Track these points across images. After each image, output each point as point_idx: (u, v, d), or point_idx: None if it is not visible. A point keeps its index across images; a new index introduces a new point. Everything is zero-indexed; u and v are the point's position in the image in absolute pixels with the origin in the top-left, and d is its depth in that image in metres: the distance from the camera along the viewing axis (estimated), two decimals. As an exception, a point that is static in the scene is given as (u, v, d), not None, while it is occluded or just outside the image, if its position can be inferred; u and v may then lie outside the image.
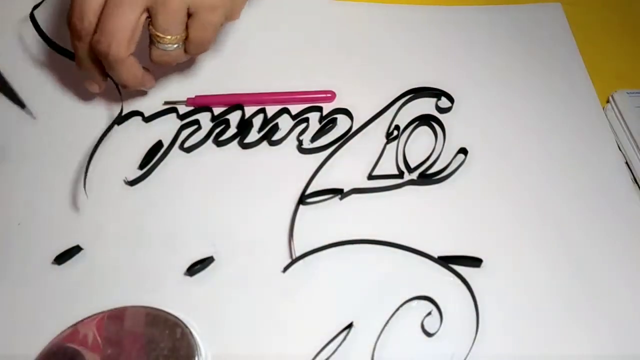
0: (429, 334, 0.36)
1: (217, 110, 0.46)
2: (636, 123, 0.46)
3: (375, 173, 0.43)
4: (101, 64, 0.40)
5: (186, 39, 0.40)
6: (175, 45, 0.40)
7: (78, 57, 0.40)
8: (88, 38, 0.39)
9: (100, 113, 0.46)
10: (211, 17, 0.39)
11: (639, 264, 0.39)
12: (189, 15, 0.39)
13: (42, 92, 0.47)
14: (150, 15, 0.38)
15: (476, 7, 0.55)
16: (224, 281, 0.38)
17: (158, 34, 0.39)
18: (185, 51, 0.41)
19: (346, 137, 0.45)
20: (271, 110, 0.46)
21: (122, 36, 0.37)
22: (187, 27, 0.40)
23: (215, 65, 0.49)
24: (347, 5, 0.54)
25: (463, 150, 0.44)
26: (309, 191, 0.41)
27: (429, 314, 0.36)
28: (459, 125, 0.46)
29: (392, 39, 0.52)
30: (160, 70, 0.46)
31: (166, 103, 0.47)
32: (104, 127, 0.44)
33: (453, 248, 0.39)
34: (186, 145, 0.44)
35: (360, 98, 0.47)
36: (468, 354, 0.35)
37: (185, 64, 0.46)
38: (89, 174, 0.41)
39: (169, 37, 0.39)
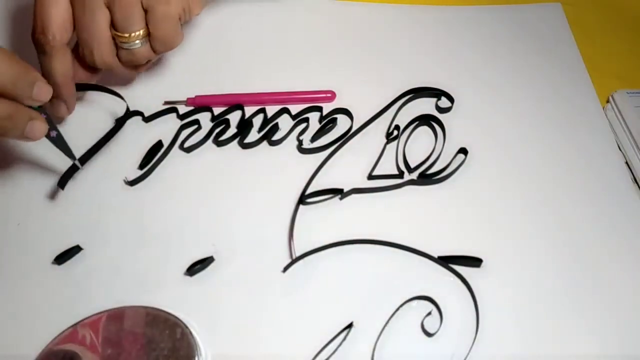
0: (429, 334, 0.36)
1: (217, 110, 0.46)
2: (636, 123, 0.46)
3: (375, 173, 0.43)
4: (70, 81, 0.40)
5: (150, 36, 0.40)
6: (138, 43, 0.39)
7: (44, 73, 0.38)
8: (53, 51, 0.38)
9: (102, 113, 0.46)
10: (167, 9, 0.39)
11: None
12: (146, 11, 0.39)
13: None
14: (111, 16, 0.38)
15: (476, 7, 0.55)
16: (224, 281, 0.38)
17: (118, 33, 0.39)
18: (153, 50, 0.41)
19: (346, 137, 0.45)
20: (271, 110, 0.46)
21: (99, 42, 0.38)
22: (147, 25, 0.39)
23: (215, 65, 0.49)
24: (348, 5, 0.54)
25: (463, 150, 0.44)
26: (309, 191, 0.41)
27: (429, 314, 0.36)
28: (459, 125, 0.46)
29: (392, 38, 0.52)
30: (159, 71, 0.46)
31: (166, 103, 0.47)
32: (105, 127, 0.44)
33: (453, 248, 0.39)
34: (186, 145, 0.44)
35: (360, 98, 0.47)
36: (468, 354, 0.35)
37: (180, 68, 0.45)
38: (85, 173, 0.41)
39: (127, 35, 0.39)
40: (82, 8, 0.38)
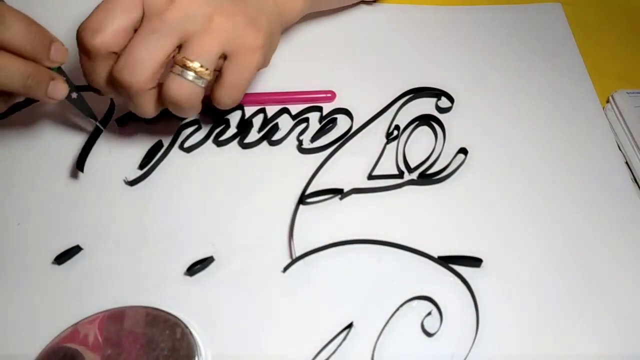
0: (429, 334, 0.36)
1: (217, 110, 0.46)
2: (636, 123, 0.46)
3: (375, 173, 0.43)
4: (110, 83, 0.37)
5: (217, 83, 0.37)
6: (201, 82, 0.35)
7: (85, 74, 0.37)
8: (97, 58, 0.35)
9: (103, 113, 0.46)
10: (251, 59, 0.36)
11: None
12: (226, 57, 0.36)
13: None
14: (181, 47, 0.35)
15: (476, 7, 0.55)
16: (224, 281, 0.38)
17: (187, 57, 0.35)
18: (214, 98, 0.38)
19: (346, 137, 0.45)
20: (271, 110, 0.46)
21: (150, 67, 0.34)
22: (221, 71, 0.37)
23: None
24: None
25: (463, 150, 0.44)
26: (309, 191, 0.41)
27: (429, 314, 0.36)
28: (459, 125, 0.46)
29: (392, 39, 0.52)
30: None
31: (166, 103, 0.46)
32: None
33: (453, 248, 0.39)
34: (186, 145, 0.44)
35: (360, 98, 0.47)
36: (468, 354, 0.35)
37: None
38: (85, 173, 0.41)
39: (198, 65, 0.35)
40: (148, 31, 0.34)
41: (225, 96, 0.38)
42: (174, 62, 0.35)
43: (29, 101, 0.44)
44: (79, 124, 0.45)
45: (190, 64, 0.35)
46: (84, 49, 0.35)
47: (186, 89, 0.35)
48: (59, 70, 0.37)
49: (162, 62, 0.35)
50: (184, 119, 0.46)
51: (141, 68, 0.34)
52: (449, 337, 0.36)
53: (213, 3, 0.36)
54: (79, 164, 0.41)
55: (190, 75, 0.35)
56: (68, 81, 0.37)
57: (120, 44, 0.35)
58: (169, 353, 0.34)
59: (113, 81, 0.35)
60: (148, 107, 0.37)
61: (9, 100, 0.36)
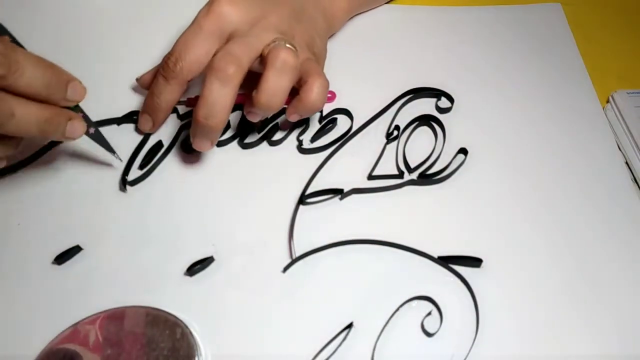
0: (429, 334, 0.36)
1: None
2: (636, 123, 0.46)
3: (375, 173, 0.43)
4: (169, 110, 0.43)
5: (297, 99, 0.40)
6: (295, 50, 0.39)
7: (154, 91, 0.41)
8: (172, 81, 0.40)
9: (103, 113, 0.46)
10: (322, 82, 0.41)
11: None
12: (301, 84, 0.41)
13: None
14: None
15: (476, 8, 0.55)
16: (224, 281, 0.38)
17: (279, 36, 0.39)
18: (257, 101, 0.39)
19: (346, 137, 0.45)
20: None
21: (224, 109, 0.38)
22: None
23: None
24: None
25: (463, 150, 0.44)
26: (309, 191, 0.41)
27: (429, 314, 0.36)
28: (459, 125, 0.46)
29: (392, 39, 0.52)
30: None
31: (166, 103, 0.46)
32: (105, 128, 0.44)
33: (453, 248, 0.39)
34: (186, 145, 0.44)
35: (360, 98, 0.47)
36: (468, 354, 0.35)
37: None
38: (85, 173, 0.41)
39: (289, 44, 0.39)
40: (236, 41, 0.39)
41: (266, 100, 0.39)
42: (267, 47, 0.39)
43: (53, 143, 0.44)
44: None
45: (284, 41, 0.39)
46: (165, 74, 0.40)
47: (291, 52, 0.38)
48: (76, 107, 0.36)
49: (255, 58, 0.39)
50: (184, 119, 0.46)
51: (241, 59, 0.38)
52: (449, 337, 0.36)
53: (285, 26, 0.42)
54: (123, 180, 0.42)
55: (290, 45, 0.39)
56: (85, 117, 0.37)
57: (198, 71, 0.40)
58: (169, 353, 0.34)
59: (214, 67, 0.37)
60: (231, 101, 0.38)
61: (21, 142, 0.36)
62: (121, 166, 0.42)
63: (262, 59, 0.39)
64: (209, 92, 0.37)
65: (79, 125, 0.36)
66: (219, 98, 0.37)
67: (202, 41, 0.40)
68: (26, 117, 0.33)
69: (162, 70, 0.41)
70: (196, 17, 0.41)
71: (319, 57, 0.45)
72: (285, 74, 0.38)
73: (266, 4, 0.42)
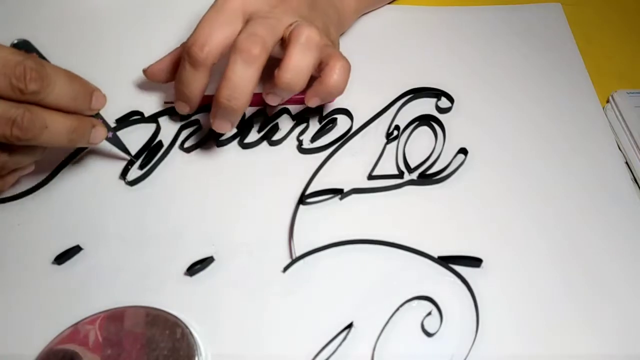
0: (429, 334, 0.36)
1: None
2: (636, 123, 0.46)
3: (375, 173, 0.43)
4: (200, 95, 0.42)
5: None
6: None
7: (182, 79, 0.41)
8: (201, 68, 0.39)
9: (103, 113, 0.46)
10: (344, 64, 0.41)
11: None
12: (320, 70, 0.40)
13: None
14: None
15: (476, 8, 0.55)
16: (224, 281, 0.38)
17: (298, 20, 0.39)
18: (279, 78, 0.38)
19: (346, 137, 0.45)
20: (271, 110, 0.46)
21: (247, 91, 0.38)
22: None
23: (215, 66, 0.49)
24: (347, 5, 0.54)
25: (463, 150, 0.44)
26: (309, 191, 0.41)
27: (429, 314, 0.36)
28: (459, 125, 0.46)
29: (392, 39, 0.52)
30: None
31: (166, 103, 0.47)
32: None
33: (453, 248, 0.39)
34: (186, 145, 0.44)
35: (360, 98, 0.47)
36: (468, 354, 0.35)
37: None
38: (86, 173, 0.41)
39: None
40: (259, 22, 0.38)
41: (289, 78, 0.38)
42: (286, 37, 0.39)
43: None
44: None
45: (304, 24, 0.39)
46: (193, 61, 0.39)
47: (315, 29, 0.38)
48: (96, 114, 0.38)
49: (277, 40, 0.39)
50: (184, 119, 0.46)
51: (265, 40, 0.37)
52: (449, 337, 0.36)
53: (305, 11, 0.42)
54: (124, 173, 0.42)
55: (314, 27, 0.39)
56: (105, 123, 0.39)
57: (224, 53, 0.39)
58: (169, 353, 0.34)
59: (239, 48, 0.37)
60: (255, 83, 0.38)
61: (46, 149, 0.37)
62: (121, 166, 0.42)
63: (283, 42, 0.39)
64: (232, 73, 0.37)
65: (101, 132, 0.38)
66: (243, 79, 0.37)
67: (225, 23, 0.39)
68: (57, 129, 0.35)
69: (188, 58, 0.39)
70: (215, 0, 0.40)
71: (335, 46, 0.45)
72: (310, 51, 0.38)
73: None
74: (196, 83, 0.40)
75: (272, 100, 0.41)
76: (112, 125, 0.45)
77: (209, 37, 0.38)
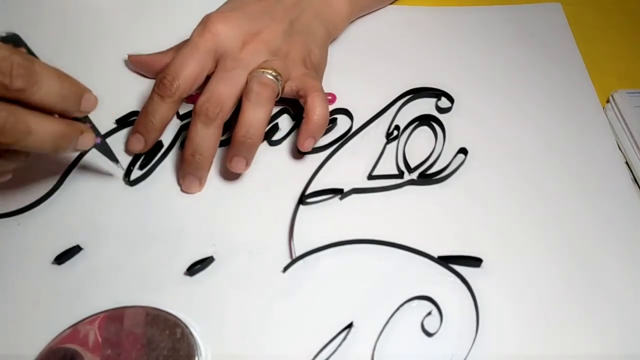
0: (429, 334, 0.36)
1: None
2: (636, 123, 0.46)
3: (375, 173, 0.43)
4: (163, 128, 0.42)
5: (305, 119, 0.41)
6: (279, 83, 0.40)
7: (148, 109, 0.41)
8: (168, 100, 0.40)
9: (102, 113, 0.46)
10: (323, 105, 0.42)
11: None
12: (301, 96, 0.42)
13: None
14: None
15: (476, 8, 0.55)
16: (224, 281, 0.38)
17: (263, 66, 0.41)
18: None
19: (346, 137, 0.45)
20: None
21: (230, 100, 0.40)
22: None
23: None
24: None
25: (463, 150, 0.44)
26: (309, 191, 0.41)
27: (429, 314, 0.36)
28: (459, 125, 0.46)
29: (392, 39, 0.52)
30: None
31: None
32: (104, 128, 0.44)
33: (453, 248, 0.39)
34: (186, 145, 0.44)
35: (360, 98, 0.47)
36: (468, 354, 0.35)
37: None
38: (86, 173, 0.41)
39: (271, 71, 0.40)
40: (222, 77, 0.41)
41: (244, 132, 0.40)
42: (253, 71, 0.41)
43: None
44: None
45: (267, 69, 0.40)
46: (161, 92, 0.40)
47: (270, 81, 0.40)
48: (85, 118, 0.36)
49: (239, 94, 0.40)
50: (184, 119, 0.46)
51: (223, 100, 0.40)
52: (449, 337, 0.36)
53: (280, 41, 0.43)
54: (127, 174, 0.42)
55: (270, 74, 0.40)
56: (93, 128, 0.38)
57: (193, 88, 0.42)
58: (169, 353, 0.34)
59: (197, 111, 0.40)
60: (216, 140, 0.41)
61: (31, 155, 0.36)
62: (122, 167, 0.42)
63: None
64: (194, 134, 0.40)
65: (89, 137, 0.36)
66: (204, 138, 0.40)
67: (197, 60, 0.41)
68: (42, 134, 0.32)
69: (157, 89, 0.41)
70: (191, 37, 0.42)
71: (318, 68, 0.46)
72: (260, 106, 0.39)
73: (260, 19, 0.43)
74: (161, 114, 0.41)
75: (237, 167, 0.41)
76: (112, 125, 0.45)
77: (180, 72, 0.40)
